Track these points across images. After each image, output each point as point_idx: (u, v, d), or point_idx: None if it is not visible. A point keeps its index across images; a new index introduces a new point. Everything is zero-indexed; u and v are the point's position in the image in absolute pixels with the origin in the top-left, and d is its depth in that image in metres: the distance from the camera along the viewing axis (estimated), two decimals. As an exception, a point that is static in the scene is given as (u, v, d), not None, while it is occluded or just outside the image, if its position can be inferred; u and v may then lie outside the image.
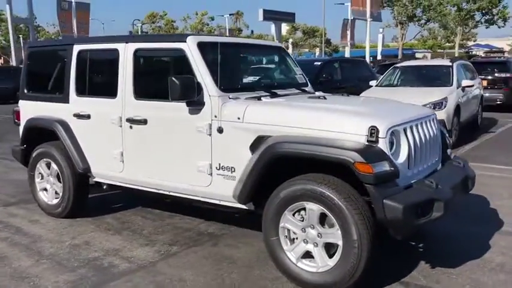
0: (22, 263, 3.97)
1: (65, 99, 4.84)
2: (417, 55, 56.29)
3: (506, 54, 55.11)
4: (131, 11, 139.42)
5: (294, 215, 3.43)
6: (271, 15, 33.66)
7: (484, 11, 42.34)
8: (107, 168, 4.64)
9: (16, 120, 5.44)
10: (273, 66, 5.02)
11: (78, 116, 4.72)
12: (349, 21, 33.37)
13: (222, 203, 3.98)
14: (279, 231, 3.47)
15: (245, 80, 4.60)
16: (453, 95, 8.94)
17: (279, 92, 4.33)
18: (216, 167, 3.88)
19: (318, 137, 3.32)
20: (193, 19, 62.21)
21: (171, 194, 4.28)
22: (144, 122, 4.24)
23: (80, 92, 4.75)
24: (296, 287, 3.43)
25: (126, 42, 4.38)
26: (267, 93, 4.18)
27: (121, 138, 4.43)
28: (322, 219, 3.31)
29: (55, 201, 5.08)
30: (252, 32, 64.61)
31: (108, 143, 4.54)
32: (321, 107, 3.73)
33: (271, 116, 3.63)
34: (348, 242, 3.14)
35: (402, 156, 3.36)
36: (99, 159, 4.68)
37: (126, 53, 4.34)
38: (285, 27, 51.41)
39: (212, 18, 62.20)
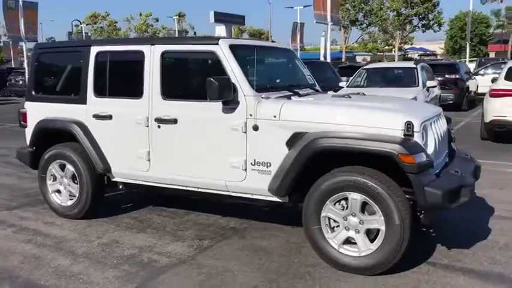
0: (61, 262, 4.00)
1: (82, 100, 4.87)
2: (358, 58, 58.44)
3: (438, 57, 58.40)
4: (70, 10, 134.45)
5: (334, 204, 3.71)
6: (222, 18, 33.93)
7: (421, 16, 44.72)
8: (130, 168, 4.72)
9: (22, 122, 5.37)
10: (288, 67, 5.27)
11: (98, 116, 4.76)
12: (299, 24, 34.31)
13: (254, 196, 4.21)
14: (320, 221, 3.75)
15: (270, 80, 4.82)
16: (421, 95, 9.58)
17: (299, 91, 4.60)
18: (251, 163, 4.09)
19: (359, 132, 3.62)
20: (137, 20, 61.17)
21: (200, 190, 4.44)
22: (174, 121, 4.37)
23: (99, 93, 4.80)
24: (337, 272, 3.71)
25: (152, 44, 4.49)
26: (291, 93, 4.44)
27: (147, 138, 4.53)
28: (363, 207, 3.62)
29: (70, 202, 5.07)
30: (195, 33, 64.28)
31: (133, 142, 4.62)
32: (355, 105, 4.06)
33: (308, 114, 3.90)
34: (391, 227, 3.47)
35: (430, 148, 3.73)
36: (121, 159, 4.75)
37: (152, 54, 4.46)
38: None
39: (157, 20, 61.46)
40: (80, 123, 4.87)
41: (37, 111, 5.21)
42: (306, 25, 37.53)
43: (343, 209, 3.69)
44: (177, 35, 44.29)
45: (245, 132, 4.08)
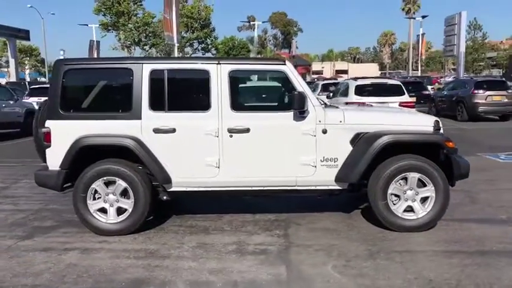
0: (190, 265, 4.28)
1: (134, 116, 5.01)
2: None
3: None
4: None
5: (395, 183, 5.04)
6: (2, 31, 30.82)
7: (200, 40, 48.36)
8: (195, 176, 5.09)
9: (46, 143, 5.06)
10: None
11: (159, 130, 5.00)
12: (95, 42, 33.55)
13: (318, 187, 5.21)
14: (387, 197, 5.02)
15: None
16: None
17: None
18: (321, 160, 5.10)
19: (407, 130, 5.05)
20: None
21: (267, 188, 5.18)
22: (246, 130, 5.02)
23: (156, 108, 5.03)
24: (400, 234, 5.03)
25: (218, 64, 5.05)
26: (324, 104, 5.59)
27: (217, 147, 5.04)
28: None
29: (120, 218, 5.07)
30: None
31: (200, 152, 5.04)
32: (394, 111, 5.48)
33: (367, 119, 5.17)
34: (439, 193, 4.99)
35: (443, 139, 5.41)
36: (185, 169, 5.07)
37: (219, 72, 5.02)
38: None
39: None
40: (135, 137, 4.99)
41: (68, 130, 5.02)
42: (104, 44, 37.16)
43: (401, 186, 5.05)
44: None
45: (315, 136, 5.06)
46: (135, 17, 45.89)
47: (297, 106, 4.87)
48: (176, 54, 18.45)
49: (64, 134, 5.03)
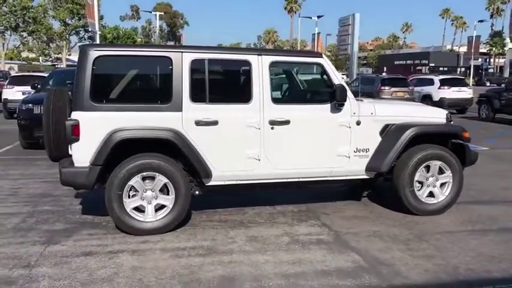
0: (262, 258, 4.21)
1: (175, 108, 4.75)
2: (6, 66, 54.05)
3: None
4: None
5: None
6: None
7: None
8: (235, 169, 4.98)
9: (73, 136, 4.57)
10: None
11: (201, 123, 4.80)
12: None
13: (348, 177, 5.42)
14: (413, 184, 5.39)
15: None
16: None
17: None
18: (354, 150, 5.31)
19: (428, 122, 5.48)
20: None
21: (302, 179, 5.26)
22: (286, 122, 5.04)
23: (198, 99, 4.82)
24: (425, 217, 5.43)
25: (259, 55, 4.98)
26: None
27: (259, 139, 4.98)
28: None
29: (159, 215, 4.78)
30: None
31: (241, 144, 4.95)
32: (411, 104, 5.91)
33: (394, 111, 5.49)
34: (455, 178, 5.50)
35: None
36: (226, 162, 4.93)
37: (260, 64, 4.95)
38: None
39: None
40: (176, 130, 4.73)
41: (100, 122, 4.59)
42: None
43: (423, 173, 5.45)
44: None
45: (350, 127, 5.26)
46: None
47: (340, 98, 5.02)
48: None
49: (96, 126, 4.59)
